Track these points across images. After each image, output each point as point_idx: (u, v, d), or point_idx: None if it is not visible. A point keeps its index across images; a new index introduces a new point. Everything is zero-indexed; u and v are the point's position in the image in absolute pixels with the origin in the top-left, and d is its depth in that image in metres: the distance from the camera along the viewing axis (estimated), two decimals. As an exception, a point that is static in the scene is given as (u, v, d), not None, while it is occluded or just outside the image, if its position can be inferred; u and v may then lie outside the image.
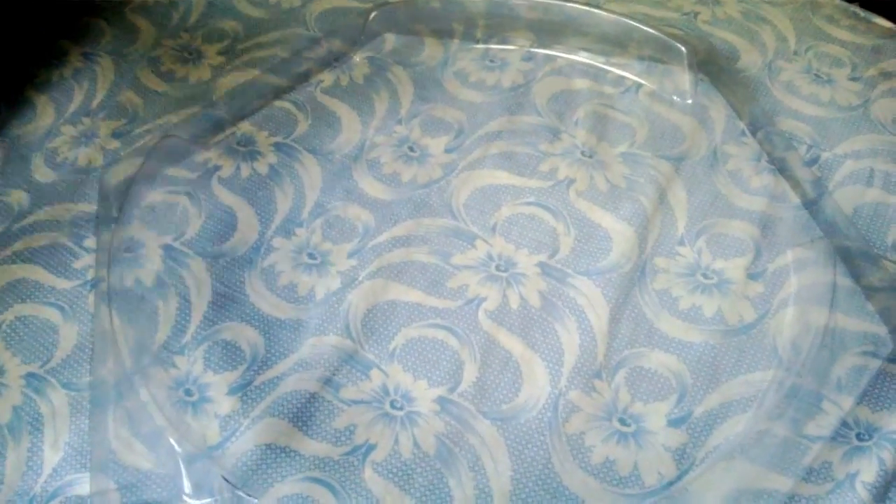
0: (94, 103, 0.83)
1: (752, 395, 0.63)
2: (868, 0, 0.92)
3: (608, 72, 0.84)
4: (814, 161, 0.77)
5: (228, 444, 0.61)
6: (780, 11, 0.90)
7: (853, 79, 0.84)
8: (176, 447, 0.59)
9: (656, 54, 0.84)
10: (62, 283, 0.70)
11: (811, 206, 0.74)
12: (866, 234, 0.72)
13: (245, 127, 0.81)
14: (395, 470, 0.61)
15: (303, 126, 0.81)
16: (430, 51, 0.87)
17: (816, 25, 0.89)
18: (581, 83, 0.84)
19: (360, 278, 0.70)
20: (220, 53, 0.87)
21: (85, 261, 0.71)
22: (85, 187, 0.76)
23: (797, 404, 0.61)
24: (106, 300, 0.66)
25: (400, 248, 0.72)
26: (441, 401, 0.64)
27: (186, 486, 0.58)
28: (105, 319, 0.65)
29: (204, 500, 0.58)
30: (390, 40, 0.88)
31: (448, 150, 0.79)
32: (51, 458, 0.61)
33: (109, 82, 0.85)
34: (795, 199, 0.75)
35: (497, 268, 0.71)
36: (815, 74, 0.84)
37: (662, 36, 0.83)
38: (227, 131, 0.80)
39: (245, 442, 0.61)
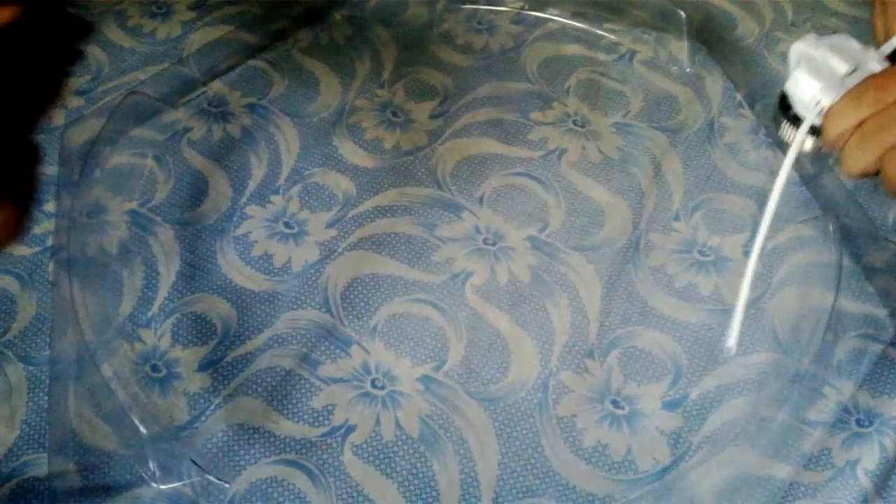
0: (56, 58, 0.78)
1: (750, 379, 0.61)
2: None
3: (602, 37, 0.81)
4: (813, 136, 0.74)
5: (198, 424, 0.58)
6: (778, -20, 0.87)
7: (853, 51, 0.81)
8: (140, 427, 0.55)
9: (652, 20, 0.81)
10: (21, 250, 0.65)
11: (811, 181, 0.71)
12: (867, 212, 0.70)
13: (217, 86, 0.76)
14: (376, 453, 0.57)
15: (279, 87, 0.76)
16: (415, 10, 0.83)
17: (816, -5, 0.86)
18: (573, 49, 0.80)
19: (340, 249, 0.66)
20: (190, 8, 0.82)
21: (45, 226, 0.67)
22: (45, 148, 0.71)
23: (798, 389, 0.58)
24: (66, 269, 0.62)
25: (382, 219, 0.68)
26: (425, 380, 0.60)
27: (152, 468, 0.54)
28: (65, 289, 0.61)
29: (171, 485, 0.54)
30: (373, -2, 0.84)
31: (433, 116, 0.75)
32: (6, 436, 0.57)
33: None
34: (794, 175, 0.72)
35: (485, 241, 0.67)
36: (815, 46, 0.81)
37: (660, 1, 0.79)
38: (198, 91, 0.76)
39: (216, 422, 0.58)
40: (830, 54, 0.51)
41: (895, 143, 0.47)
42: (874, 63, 0.50)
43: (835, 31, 0.82)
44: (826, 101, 0.50)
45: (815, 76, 0.51)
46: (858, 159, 0.49)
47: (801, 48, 0.52)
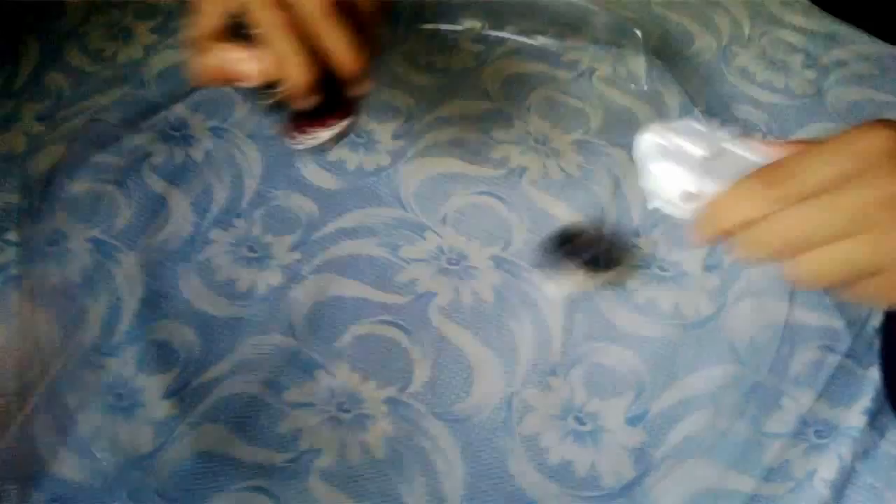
0: (17, 83, 0.77)
1: (709, 392, 0.62)
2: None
3: (561, 55, 0.82)
4: (769, 149, 0.76)
5: (163, 452, 0.58)
6: (734, -5, 0.89)
7: (807, 66, 0.83)
8: (103, 460, 0.55)
9: (611, 38, 0.82)
10: (-20, 279, 0.65)
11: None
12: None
13: (179, 109, 0.76)
14: (342, 476, 0.58)
15: (241, 109, 0.76)
16: (377, 31, 0.83)
17: (770, 11, 0.88)
18: (533, 67, 0.81)
19: (304, 272, 0.66)
20: (152, 31, 0.82)
21: (7, 255, 0.66)
22: (6, 176, 0.71)
23: (756, 401, 0.60)
24: (30, 298, 0.61)
25: (346, 241, 0.68)
26: (391, 402, 0.61)
27: (120, 499, 0.54)
28: (29, 319, 0.60)
29: (138, 516, 0.54)
30: (334, 20, 0.84)
31: (396, 137, 0.75)
32: (-32, 469, 0.57)
33: (34, 61, 0.79)
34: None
35: (448, 261, 0.68)
36: (770, 61, 0.83)
37: (617, 19, 0.81)
38: (160, 114, 0.75)
39: (181, 449, 0.58)
40: (683, 140, 0.47)
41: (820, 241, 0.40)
42: (729, 143, 0.47)
43: (791, 45, 0.84)
44: (693, 188, 0.45)
45: (674, 164, 0.47)
46: (768, 252, 0.42)
47: (650, 139, 0.49)
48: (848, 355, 0.63)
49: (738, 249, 0.43)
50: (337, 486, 0.57)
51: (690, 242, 0.57)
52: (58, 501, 0.55)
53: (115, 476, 0.55)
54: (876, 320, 0.65)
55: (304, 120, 0.56)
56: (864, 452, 0.59)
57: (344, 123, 0.56)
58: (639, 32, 0.79)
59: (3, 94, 0.76)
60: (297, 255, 0.67)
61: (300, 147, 0.56)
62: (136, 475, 0.56)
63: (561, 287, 0.65)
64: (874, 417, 0.60)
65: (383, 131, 0.76)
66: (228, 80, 0.52)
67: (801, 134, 0.77)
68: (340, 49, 0.51)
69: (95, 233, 0.67)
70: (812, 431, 0.60)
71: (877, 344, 0.64)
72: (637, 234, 0.70)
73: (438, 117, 0.77)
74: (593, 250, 0.65)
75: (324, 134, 0.56)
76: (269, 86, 0.52)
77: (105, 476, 0.56)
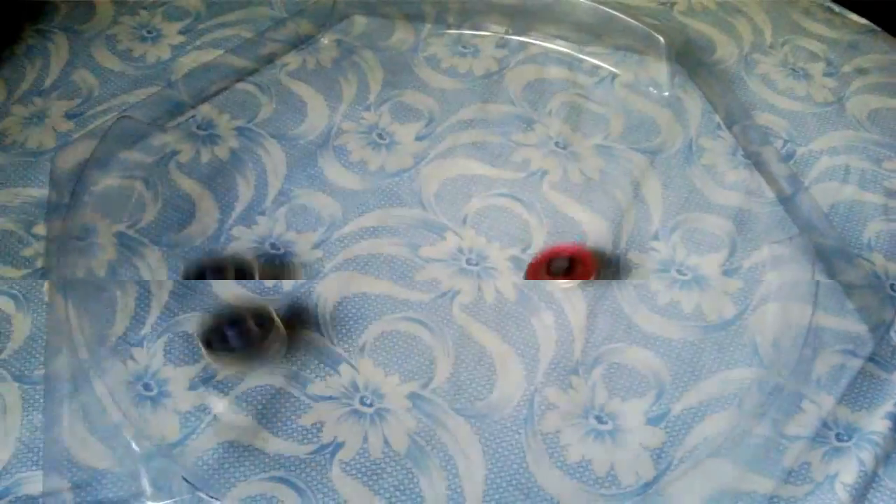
0: (47, 82, 0.79)
1: (731, 394, 0.62)
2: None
3: (583, 61, 0.83)
4: (790, 156, 0.76)
5: (189, 441, 0.58)
6: (756, 3, 0.89)
7: (829, 74, 0.83)
8: (133, 445, 0.56)
9: (633, 44, 0.83)
10: (11, 272, 0.66)
11: (787, 201, 0.73)
12: (842, 231, 0.71)
13: (205, 110, 0.77)
14: (363, 469, 0.58)
15: (267, 110, 0.77)
16: (401, 35, 0.84)
17: (793, 19, 0.88)
18: (555, 72, 0.82)
19: (326, 270, 0.67)
20: (180, 32, 0.84)
21: (35, 248, 0.67)
22: (35, 171, 0.72)
23: (778, 404, 0.60)
24: (62, 290, 0.62)
25: (367, 240, 0.69)
26: (413, 397, 0.61)
27: (145, 486, 0.55)
28: (60, 309, 0.61)
29: (163, 502, 0.55)
30: (360, 22, 0.85)
31: (418, 138, 0.76)
32: (0, 455, 0.57)
33: (63, 60, 0.80)
34: (771, 195, 0.74)
35: (468, 261, 0.68)
36: (792, 69, 0.83)
37: (640, 25, 0.81)
38: (187, 114, 0.77)
39: (206, 439, 0.58)
40: None
41: None
42: None
43: (812, 53, 0.85)
44: None
45: None
46: None
47: None
48: (871, 360, 0.63)
49: None
50: (358, 478, 0.57)
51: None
52: (82, 487, 0.56)
53: (141, 464, 0.55)
54: (899, 325, 0.66)
55: None
56: (885, 457, 0.59)
57: None
58: (661, 39, 0.80)
59: (34, 91, 0.78)
60: (319, 253, 0.68)
61: None
62: (161, 463, 0.56)
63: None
64: (896, 422, 0.61)
65: (406, 133, 0.77)
66: None
67: (822, 141, 0.77)
68: None
69: (121, 227, 0.68)
70: (833, 435, 0.60)
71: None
72: (656, 238, 0.70)
73: (460, 120, 0.78)
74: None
75: None
76: None
77: (131, 464, 0.56)
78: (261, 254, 0.67)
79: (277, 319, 0.62)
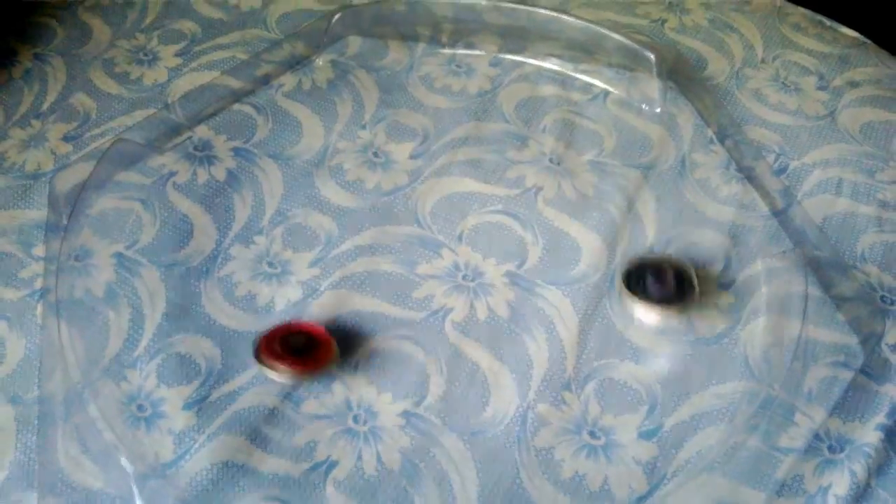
0: (45, 105, 0.80)
1: (723, 407, 0.62)
2: (834, 10, 0.92)
3: (576, 79, 0.83)
4: (782, 170, 0.77)
5: (183, 462, 0.59)
6: (747, 19, 0.90)
7: (820, 88, 0.84)
8: (127, 466, 0.56)
9: (624, 62, 0.83)
10: (8, 294, 0.66)
11: (780, 215, 0.73)
12: (836, 244, 0.72)
13: (202, 131, 0.78)
14: (358, 488, 0.58)
15: (263, 130, 0.78)
16: (395, 55, 0.85)
17: (783, 34, 0.89)
18: (548, 90, 0.83)
19: (322, 288, 0.68)
20: (176, 55, 0.84)
21: (33, 269, 0.68)
22: (33, 193, 0.73)
23: (769, 416, 0.60)
24: (55, 311, 0.63)
25: (364, 258, 0.70)
26: (406, 415, 0.62)
27: (138, 507, 0.56)
28: (53, 331, 0.62)
29: (157, 523, 0.55)
30: (354, 43, 0.86)
31: (413, 157, 0.77)
32: (-6, 477, 0.58)
33: (61, 84, 0.81)
34: (765, 209, 0.74)
35: (464, 277, 0.69)
36: (783, 83, 0.84)
37: (631, 43, 0.82)
38: (184, 135, 0.77)
39: (200, 460, 0.59)
40: None
41: None
42: None
43: (804, 67, 0.85)
44: None
45: None
46: None
47: None
48: (862, 371, 0.63)
49: None
50: (353, 497, 0.58)
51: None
52: (79, 509, 0.56)
53: (136, 485, 0.56)
54: (891, 337, 0.66)
55: None
56: (878, 469, 0.59)
57: None
58: (652, 56, 0.81)
59: (32, 114, 0.79)
60: (315, 271, 0.69)
61: None
62: (155, 484, 0.57)
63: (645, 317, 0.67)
64: (889, 433, 0.61)
65: (401, 152, 0.77)
66: None
67: (815, 155, 0.78)
68: None
69: (120, 248, 0.69)
70: (825, 447, 0.60)
71: (893, 360, 0.64)
72: (651, 253, 0.71)
73: (455, 138, 0.78)
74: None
75: None
76: None
77: (125, 485, 0.56)
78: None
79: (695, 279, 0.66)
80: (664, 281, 0.66)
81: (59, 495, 0.57)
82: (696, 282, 0.66)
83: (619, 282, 0.67)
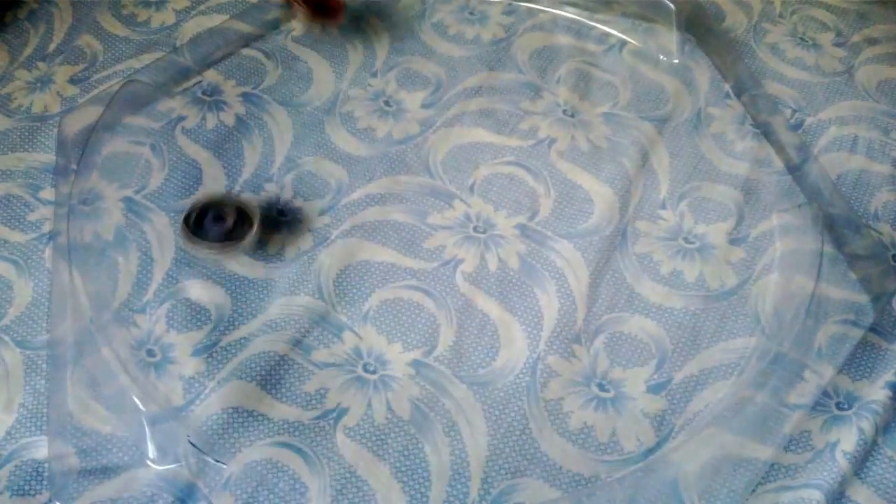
0: (51, 47, 0.78)
1: (732, 362, 0.62)
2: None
3: (592, 28, 0.82)
4: (798, 126, 0.76)
5: (193, 407, 0.59)
6: (766, -28, 0.88)
7: (838, 44, 0.82)
8: (140, 406, 0.56)
9: (642, 12, 0.82)
10: (16, 237, 0.66)
11: (795, 171, 0.72)
12: (850, 201, 0.71)
13: (211, 75, 0.77)
14: (368, 435, 0.59)
15: (272, 76, 0.77)
16: (407, 0, 0.83)
17: (803, -13, 0.87)
18: (563, 39, 0.81)
19: (333, 237, 0.67)
20: (185, -4, 0.83)
21: (41, 213, 0.67)
22: (40, 135, 0.72)
23: (779, 373, 0.60)
24: (65, 255, 0.63)
25: (374, 207, 0.69)
26: (416, 364, 0.62)
27: (150, 449, 0.56)
28: (64, 275, 0.62)
29: (168, 466, 0.55)
30: (366, -12, 0.84)
31: (425, 106, 0.76)
32: (4, 420, 0.58)
33: (67, 25, 0.80)
34: (779, 164, 0.73)
35: (475, 229, 0.68)
36: (801, 38, 0.83)
37: (649, -8, 0.80)
38: (192, 80, 0.76)
39: (211, 405, 0.59)
40: None
41: None
42: None
43: (821, 23, 0.84)
44: None
45: None
46: None
47: None
48: (872, 329, 0.63)
49: None
50: (362, 443, 0.58)
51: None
52: (87, 452, 0.57)
53: (147, 427, 0.56)
54: (901, 296, 0.66)
55: None
56: (885, 426, 0.59)
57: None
58: (672, 6, 0.79)
59: (38, 56, 0.77)
60: (326, 220, 0.68)
61: None
62: (167, 426, 0.57)
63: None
64: (897, 392, 0.61)
65: (412, 100, 0.76)
66: None
67: (831, 111, 0.77)
68: None
69: (128, 193, 0.69)
70: (833, 404, 0.60)
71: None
72: (663, 207, 0.70)
73: (467, 87, 0.77)
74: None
75: None
76: None
77: (137, 427, 0.57)
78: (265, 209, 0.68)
79: (257, 218, 0.66)
80: (223, 221, 0.66)
81: (69, 439, 0.57)
82: (256, 220, 0.65)
83: (181, 225, 0.66)
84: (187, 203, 0.68)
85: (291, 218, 0.68)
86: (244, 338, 0.62)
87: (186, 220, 0.65)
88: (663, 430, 0.60)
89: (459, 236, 0.68)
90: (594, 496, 0.57)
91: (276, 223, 0.68)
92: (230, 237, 0.65)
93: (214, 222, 0.65)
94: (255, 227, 0.65)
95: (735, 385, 0.61)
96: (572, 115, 0.76)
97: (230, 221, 0.65)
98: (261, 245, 0.66)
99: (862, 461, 0.58)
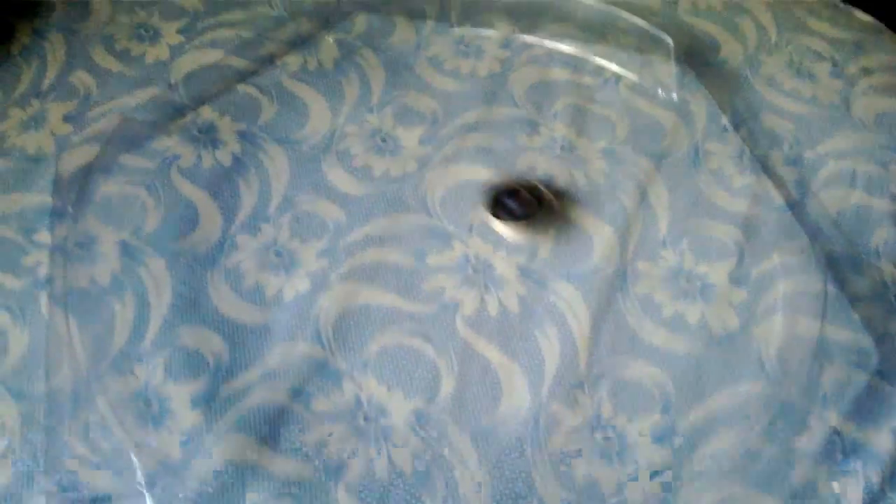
0: (44, 84, 0.77)
1: (737, 408, 0.62)
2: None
3: (588, 61, 0.81)
4: (796, 160, 0.76)
5: (192, 460, 0.58)
6: (760, 2, 0.88)
7: (834, 75, 0.82)
8: (138, 467, 0.55)
9: (638, 44, 0.81)
10: (11, 282, 0.65)
11: (795, 207, 0.72)
12: (850, 238, 0.71)
13: (206, 112, 0.76)
14: (368, 489, 0.58)
15: (268, 113, 0.76)
16: (402, 34, 0.83)
17: (797, 17, 0.87)
18: (560, 73, 0.81)
19: (332, 280, 0.66)
20: (179, 32, 0.82)
21: (35, 257, 0.66)
22: (34, 176, 0.71)
23: (784, 419, 0.60)
24: (61, 302, 0.62)
25: (373, 248, 0.69)
26: (417, 413, 0.61)
27: (149, 508, 0.55)
28: (60, 324, 0.61)
29: (168, 526, 0.55)
30: (361, 21, 0.84)
31: (422, 142, 0.75)
32: None
33: (60, 61, 0.79)
34: (779, 200, 0.73)
35: (474, 270, 0.68)
36: (797, 69, 0.82)
37: (646, 25, 0.80)
38: (188, 116, 0.76)
39: (210, 458, 0.58)
40: None
41: None
42: None
43: (817, 53, 0.83)
44: None
45: None
46: None
47: None
48: (877, 373, 0.63)
49: None
50: (363, 498, 0.58)
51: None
52: (86, 509, 0.56)
53: (146, 486, 0.55)
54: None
55: None
56: (892, 476, 0.59)
57: None
58: (669, 39, 0.79)
59: (32, 93, 0.77)
60: (324, 262, 0.68)
61: None
62: (165, 483, 0.56)
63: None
64: (902, 437, 0.61)
65: (409, 137, 0.76)
66: None
67: (829, 144, 0.77)
68: None
69: (124, 236, 0.68)
70: (839, 452, 0.60)
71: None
72: (664, 246, 0.70)
73: (464, 123, 0.77)
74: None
75: None
76: None
77: (133, 484, 0.56)
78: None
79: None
80: (522, 198, 0.70)
81: (67, 495, 0.56)
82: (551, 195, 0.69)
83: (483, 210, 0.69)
84: (183, 246, 0.67)
85: (289, 260, 0.68)
86: (243, 387, 0.61)
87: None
88: (668, 482, 0.59)
89: (459, 277, 0.67)
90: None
91: (275, 267, 0.67)
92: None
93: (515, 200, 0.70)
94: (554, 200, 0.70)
95: (741, 433, 0.61)
96: (570, 151, 0.75)
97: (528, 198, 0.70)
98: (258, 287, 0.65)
99: (868, 510, 0.58)
